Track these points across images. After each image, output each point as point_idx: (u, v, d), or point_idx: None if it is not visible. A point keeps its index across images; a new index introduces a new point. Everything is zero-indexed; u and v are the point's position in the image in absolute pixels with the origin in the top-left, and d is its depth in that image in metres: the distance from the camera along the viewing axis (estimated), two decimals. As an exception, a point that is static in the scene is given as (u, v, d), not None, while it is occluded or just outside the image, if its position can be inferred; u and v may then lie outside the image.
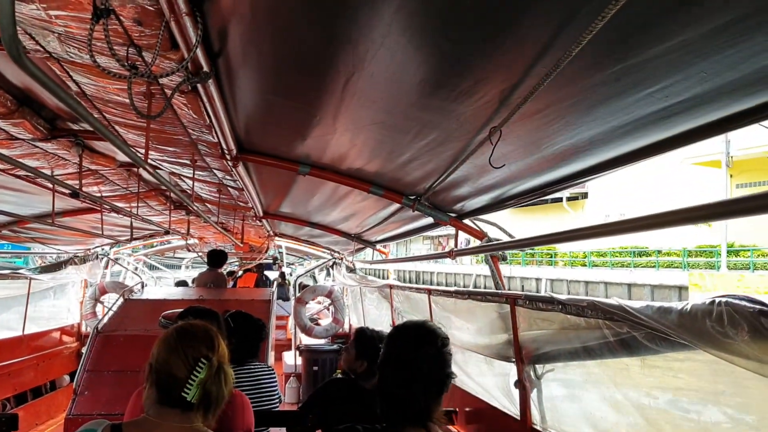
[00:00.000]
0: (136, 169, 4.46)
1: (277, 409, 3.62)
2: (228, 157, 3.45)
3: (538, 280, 34.32)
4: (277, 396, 3.61)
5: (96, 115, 2.96)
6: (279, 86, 2.53)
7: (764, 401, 1.92)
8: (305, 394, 8.55)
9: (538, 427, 3.22)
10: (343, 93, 2.37)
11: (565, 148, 2.43)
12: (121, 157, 4.21)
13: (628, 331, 2.27)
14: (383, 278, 7.87)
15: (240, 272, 13.90)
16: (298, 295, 9.76)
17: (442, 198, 3.75)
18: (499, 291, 3.66)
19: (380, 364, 1.76)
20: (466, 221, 3.93)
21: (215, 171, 3.98)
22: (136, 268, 11.82)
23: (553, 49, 1.61)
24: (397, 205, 4.24)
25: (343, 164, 3.58)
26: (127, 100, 2.16)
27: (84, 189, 3.80)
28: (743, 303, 1.72)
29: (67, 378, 7.95)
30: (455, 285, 38.77)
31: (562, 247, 34.90)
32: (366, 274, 8.51)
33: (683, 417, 2.44)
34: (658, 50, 1.57)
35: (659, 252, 29.83)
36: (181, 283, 13.36)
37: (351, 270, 8.56)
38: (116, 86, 2.54)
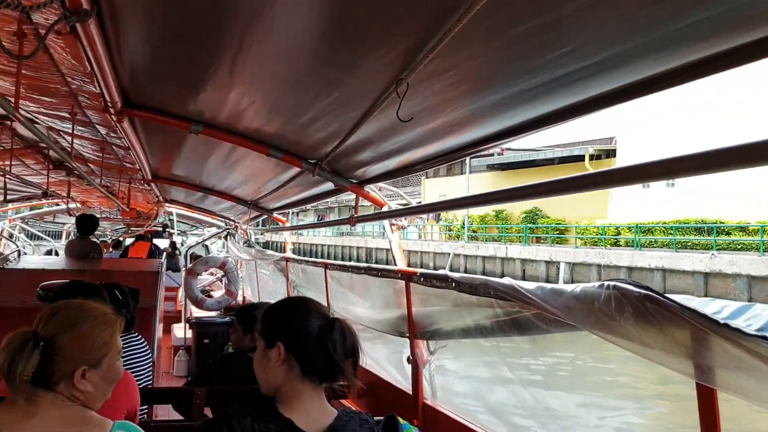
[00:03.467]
0: (9, 123, 3.99)
1: (150, 383, 3.48)
2: (112, 111, 3.11)
3: (550, 264, 27.58)
4: (150, 368, 3.45)
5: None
6: (169, 31, 2.26)
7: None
8: (195, 367, 8.19)
9: (429, 402, 3.21)
10: (240, 42, 2.15)
11: (472, 111, 2.33)
12: (-8, 109, 3.76)
13: (519, 311, 2.28)
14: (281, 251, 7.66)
15: (129, 240, 13.17)
16: (189, 266, 9.41)
17: (344, 163, 3.58)
18: (394, 267, 3.60)
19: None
20: (368, 188, 3.80)
21: (98, 127, 3.60)
22: (12, 235, 10.93)
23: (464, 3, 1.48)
24: (295, 170, 4.06)
25: (240, 124, 3.33)
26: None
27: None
28: (630, 287, 1.72)
29: None
30: (424, 266, 34.05)
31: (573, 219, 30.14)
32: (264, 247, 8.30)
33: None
34: (571, 7, 1.47)
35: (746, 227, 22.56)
36: (50, 253, 12.45)
37: (247, 243, 8.30)
38: (-19, 23, 2.19)
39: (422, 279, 3.03)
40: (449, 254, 33.09)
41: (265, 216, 7.04)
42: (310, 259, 5.77)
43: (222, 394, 3.41)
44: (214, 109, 3.14)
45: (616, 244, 27.09)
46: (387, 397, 3.74)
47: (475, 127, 2.52)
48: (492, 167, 38.31)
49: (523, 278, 27.70)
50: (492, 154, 37.18)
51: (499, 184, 34.00)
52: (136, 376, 3.12)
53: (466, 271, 30.52)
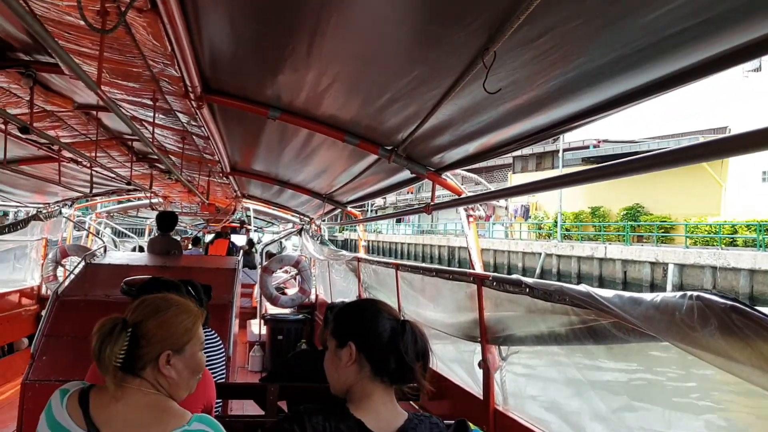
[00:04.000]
0: (95, 113, 4.08)
1: (223, 378, 3.53)
2: (192, 96, 3.10)
3: (655, 265, 24.70)
4: (223, 363, 3.50)
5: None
6: (247, 8, 2.21)
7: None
8: (269, 362, 8.45)
9: (500, 408, 3.13)
10: (318, 18, 2.07)
11: (563, 83, 2.13)
12: (79, 97, 3.85)
13: (595, 319, 2.22)
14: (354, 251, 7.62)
15: (208, 237, 13.51)
16: (264, 263, 9.61)
17: (421, 149, 3.44)
18: (466, 270, 3.49)
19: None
20: (445, 176, 3.64)
21: (178, 114, 3.61)
22: (99, 232, 11.39)
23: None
24: (370, 159, 3.96)
25: (317, 109, 3.25)
26: (81, 21, 1.86)
27: (37, 128, 3.40)
28: (715, 298, 1.65)
29: (25, 341, 7.63)
30: (512, 267, 33.06)
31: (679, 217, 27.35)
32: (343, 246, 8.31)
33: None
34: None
35: None
36: (134, 250, 12.94)
37: (320, 240, 8.32)
38: (67, 2, 2.20)
39: (495, 283, 2.96)
40: (540, 254, 31.17)
41: (339, 210, 6.99)
42: (382, 260, 5.74)
43: (295, 390, 3.39)
44: (291, 92, 3.08)
45: (732, 243, 24.25)
46: (457, 401, 3.67)
47: (566, 102, 2.31)
48: (587, 160, 35.06)
49: (624, 281, 26.11)
50: (587, 147, 35.21)
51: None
52: (211, 371, 3.20)
53: (559, 273, 29.88)
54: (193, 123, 3.77)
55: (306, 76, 2.77)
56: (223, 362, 3.52)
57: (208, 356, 3.18)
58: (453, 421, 1.74)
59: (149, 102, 3.35)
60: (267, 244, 11.90)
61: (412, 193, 53.81)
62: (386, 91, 2.71)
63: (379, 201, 60.73)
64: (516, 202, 39.87)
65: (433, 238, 45.09)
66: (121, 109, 2.90)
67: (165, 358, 1.64)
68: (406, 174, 3.93)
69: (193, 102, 3.19)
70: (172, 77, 2.91)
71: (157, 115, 3.64)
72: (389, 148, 3.55)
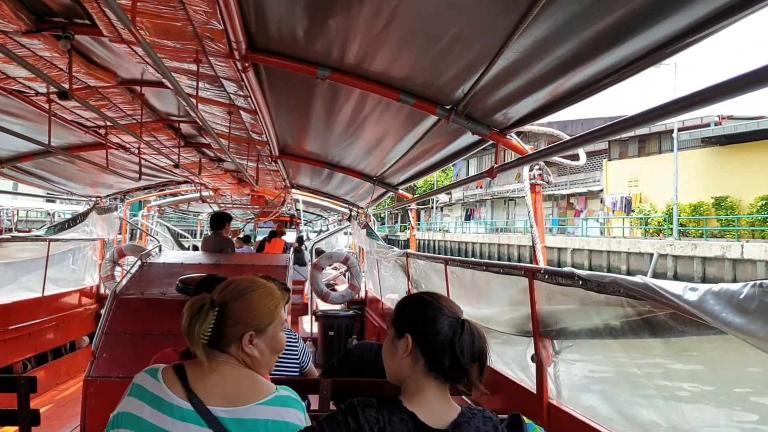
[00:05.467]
0: (139, 89, 3.90)
1: (295, 374, 3.58)
2: (237, 55, 2.86)
3: None
4: (295, 363, 3.55)
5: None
6: None
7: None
8: (321, 358, 8.40)
9: (554, 402, 3.06)
10: None
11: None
12: (123, 71, 3.67)
13: (651, 311, 2.14)
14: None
15: (262, 236, 13.52)
16: (314, 260, 9.60)
17: (482, 105, 3.11)
18: (517, 264, 3.35)
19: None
20: (510, 135, 3.29)
21: (224, 82, 3.37)
22: (155, 232, 11.53)
23: None
24: (426, 125, 3.68)
25: (369, 63, 2.97)
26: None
27: (78, 96, 3.23)
28: None
29: (86, 339, 7.81)
30: (612, 270, 27.59)
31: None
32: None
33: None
34: None
35: None
36: (194, 248, 13.12)
37: (368, 233, 8.12)
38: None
39: (547, 276, 2.89)
40: (652, 255, 26.05)
41: (390, 194, 6.72)
42: (430, 255, 5.54)
43: (347, 385, 3.38)
44: (342, 43, 2.81)
45: None
46: (510, 395, 3.58)
47: (659, 20, 1.89)
48: (708, 141, 29.02)
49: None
50: (707, 125, 29.31)
51: (719, 164, 27.62)
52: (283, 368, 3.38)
53: (675, 277, 24.37)
54: (240, 93, 3.53)
55: (358, 18, 2.49)
56: (295, 359, 3.59)
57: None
58: (506, 416, 1.75)
59: (192, 68, 3.12)
60: (317, 241, 11.85)
61: (481, 187, 50.19)
62: (444, 35, 2.41)
63: (443, 197, 56.81)
64: (615, 194, 34.23)
65: (511, 237, 38.46)
66: (164, 64, 2.68)
67: (248, 338, 1.72)
68: (466, 139, 3.63)
69: (238, 63, 2.96)
70: (215, 32, 2.68)
71: (202, 84, 3.42)
72: (448, 107, 3.23)
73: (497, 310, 3.77)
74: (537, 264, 3.27)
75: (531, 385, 3.29)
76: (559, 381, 3.07)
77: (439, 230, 52.82)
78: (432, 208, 60.19)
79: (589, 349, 3.01)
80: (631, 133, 32.61)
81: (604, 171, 36.10)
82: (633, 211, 32.29)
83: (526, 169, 3.30)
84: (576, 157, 3.20)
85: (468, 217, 53.68)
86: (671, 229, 27.25)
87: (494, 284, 3.73)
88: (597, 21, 2.00)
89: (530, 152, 3.06)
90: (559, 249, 31.72)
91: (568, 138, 2.55)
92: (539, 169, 3.24)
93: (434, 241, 50.42)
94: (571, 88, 2.58)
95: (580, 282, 2.55)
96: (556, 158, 3.08)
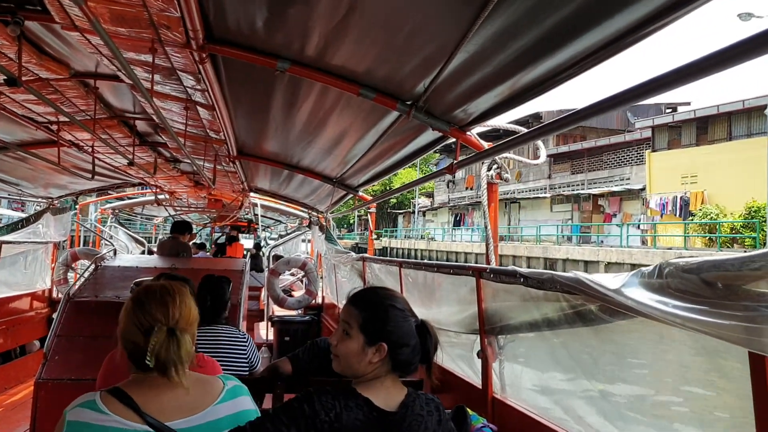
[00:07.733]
0: (93, 83, 3.71)
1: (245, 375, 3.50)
2: (194, 45, 2.73)
3: None
4: (244, 362, 3.50)
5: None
6: None
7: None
8: None
9: (498, 396, 3.13)
10: None
11: None
12: (76, 64, 3.48)
13: (583, 304, 2.27)
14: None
15: (221, 237, 13.25)
16: (271, 266, 9.42)
17: (442, 102, 3.06)
18: (465, 264, 3.26)
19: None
20: (470, 132, 3.24)
21: (181, 75, 3.22)
22: (110, 236, 11.18)
23: None
24: (387, 122, 3.61)
25: (330, 56, 2.89)
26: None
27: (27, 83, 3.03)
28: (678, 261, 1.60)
29: (37, 343, 7.53)
30: None
31: None
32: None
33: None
34: None
35: None
36: (148, 253, 12.81)
37: (326, 237, 8.03)
38: None
39: (492, 275, 3.00)
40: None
41: (350, 196, 6.62)
42: (385, 258, 5.59)
43: (304, 384, 3.23)
44: (302, 35, 2.72)
45: None
46: (459, 391, 3.60)
47: (619, 10, 1.84)
48: None
49: None
50: None
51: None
52: (230, 366, 3.29)
53: None
54: (197, 87, 3.38)
55: (318, 7, 2.40)
56: (244, 360, 3.50)
57: (222, 350, 3.36)
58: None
59: (148, 58, 2.97)
60: (274, 246, 11.68)
61: (472, 188, 44.77)
62: (407, 23, 2.34)
63: (424, 201, 53.09)
64: (664, 193, 26.52)
65: (518, 247, 30.48)
66: (120, 53, 2.53)
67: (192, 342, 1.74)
68: (427, 136, 3.59)
69: (195, 54, 2.83)
70: (171, 19, 2.54)
71: (158, 78, 3.27)
72: (409, 102, 3.16)
73: (447, 309, 3.84)
74: (489, 264, 3.30)
75: (477, 380, 3.34)
76: (503, 375, 3.15)
77: (422, 238, 46.88)
78: (412, 212, 54.55)
79: (530, 344, 3.11)
80: (689, 116, 26.39)
81: (647, 165, 28.09)
82: (693, 215, 24.55)
83: (484, 167, 3.27)
84: (536, 156, 3.18)
85: (458, 223, 46.41)
86: (753, 238, 20.14)
87: (445, 285, 3.83)
88: (556, 11, 1.96)
89: (487, 147, 3.00)
90: (587, 262, 24.42)
91: (525, 131, 2.51)
92: (498, 167, 3.20)
93: (416, 250, 44.56)
94: (532, 81, 2.52)
95: (522, 279, 2.65)
96: (511, 155, 3.05)
